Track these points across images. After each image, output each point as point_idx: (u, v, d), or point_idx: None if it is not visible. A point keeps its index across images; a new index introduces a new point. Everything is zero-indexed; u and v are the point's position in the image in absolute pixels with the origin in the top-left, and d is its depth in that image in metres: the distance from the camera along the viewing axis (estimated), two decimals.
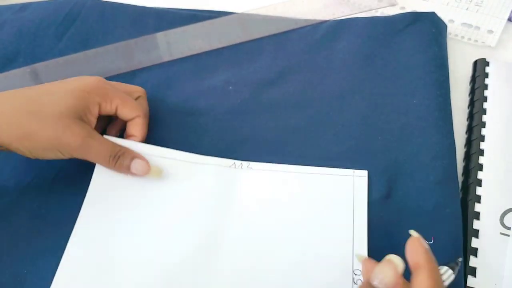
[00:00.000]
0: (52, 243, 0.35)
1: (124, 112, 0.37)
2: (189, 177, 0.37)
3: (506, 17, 0.49)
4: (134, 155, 0.36)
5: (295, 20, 0.49)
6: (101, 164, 0.36)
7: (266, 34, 0.48)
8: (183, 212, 0.35)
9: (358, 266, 0.32)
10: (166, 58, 0.46)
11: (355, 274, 0.32)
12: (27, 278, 0.34)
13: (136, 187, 0.36)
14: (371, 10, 0.51)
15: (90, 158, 0.35)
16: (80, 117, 0.35)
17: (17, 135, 0.33)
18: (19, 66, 0.48)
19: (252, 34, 0.48)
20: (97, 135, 0.35)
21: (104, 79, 0.37)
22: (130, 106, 0.37)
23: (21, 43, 0.50)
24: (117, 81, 0.41)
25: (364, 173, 0.37)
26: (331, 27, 0.48)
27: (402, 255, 0.33)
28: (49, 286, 0.33)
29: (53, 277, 0.33)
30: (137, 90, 0.40)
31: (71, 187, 0.38)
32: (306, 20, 0.49)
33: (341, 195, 0.35)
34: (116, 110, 0.37)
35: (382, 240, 0.34)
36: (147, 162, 0.36)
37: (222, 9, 0.53)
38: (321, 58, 0.46)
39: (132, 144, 0.37)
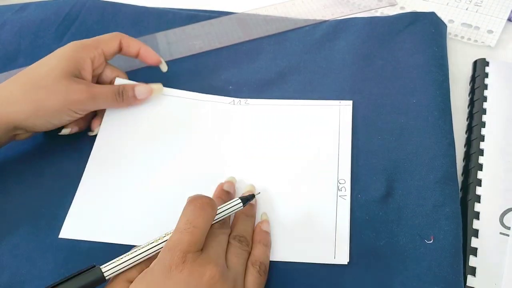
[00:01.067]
0: (52, 242, 0.35)
1: (131, 47, 0.41)
2: (193, 112, 0.42)
3: (506, 17, 0.49)
4: (133, 85, 0.40)
5: (295, 20, 0.50)
6: (111, 105, 0.40)
7: (266, 34, 0.49)
8: (188, 142, 0.40)
9: (343, 176, 0.37)
10: (166, 58, 0.46)
11: (339, 183, 0.37)
12: (26, 278, 0.34)
13: (143, 123, 0.41)
14: (371, 10, 0.51)
15: (99, 104, 0.39)
16: (76, 75, 0.38)
17: (31, 110, 0.36)
18: (20, 66, 0.48)
19: (252, 34, 0.49)
20: (96, 85, 0.39)
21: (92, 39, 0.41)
22: (132, 41, 0.42)
23: (21, 43, 0.50)
24: None
25: (349, 102, 0.41)
26: (331, 27, 0.48)
27: (402, 255, 0.33)
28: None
29: (52, 278, 0.33)
30: (117, 34, 0.42)
31: (72, 186, 0.39)
32: (305, 20, 0.49)
33: (328, 121, 0.40)
34: (121, 50, 0.41)
35: (382, 239, 0.34)
36: (147, 85, 0.41)
37: (222, 9, 0.53)
38: (321, 58, 0.46)
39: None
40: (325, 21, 0.49)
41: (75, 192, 0.38)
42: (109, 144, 0.40)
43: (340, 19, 0.49)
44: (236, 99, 0.43)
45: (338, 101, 0.41)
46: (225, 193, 0.36)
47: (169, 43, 0.49)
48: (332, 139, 0.39)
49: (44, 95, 0.36)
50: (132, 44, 0.41)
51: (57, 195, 0.38)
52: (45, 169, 0.40)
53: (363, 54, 0.45)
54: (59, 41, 0.50)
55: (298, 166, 0.38)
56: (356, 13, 0.51)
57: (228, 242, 0.32)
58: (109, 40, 0.41)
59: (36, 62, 0.38)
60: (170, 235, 0.29)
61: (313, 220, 0.35)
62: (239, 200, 0.33)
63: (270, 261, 0.34)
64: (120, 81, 0.41)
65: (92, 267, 0.29)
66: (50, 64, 0.37)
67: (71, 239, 0.35)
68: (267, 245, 0.34)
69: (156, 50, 0.43)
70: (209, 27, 0.50)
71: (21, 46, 0.50)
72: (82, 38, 0.50)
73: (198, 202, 0.30)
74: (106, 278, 0.29)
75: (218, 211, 0.31)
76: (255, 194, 0.35)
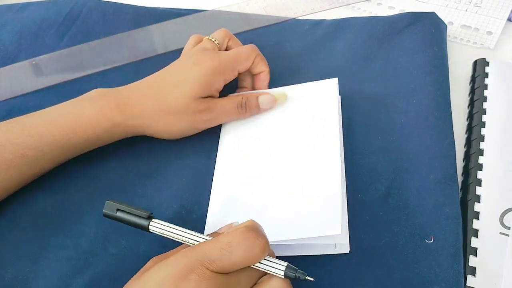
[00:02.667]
0: (55, 242, 0.36)
1: (258, 66, 0.41)
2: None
3: (506, 17, 0.49)
4: (257, 95, 0.40)
5: (276, 17, 0.51)
6: (234, 117, 0.41)
7: (246, 29, 0.50)
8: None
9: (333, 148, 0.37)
10: (171, 47, 0.47)
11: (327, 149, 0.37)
12: (29, 277, 0.34)
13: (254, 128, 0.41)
14: (349, 4, 0.52)
15: (223, 120, 0.41)
16: (207, 95, 0.38)
17: (161, 128, 0.39)
18: None
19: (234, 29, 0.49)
20: (219, 100, 0.39)
21: (220, 55, 0.39)
22: (261, 61, 0.42)
23: (22, 42, 0.50)
24: (123, 73, 0.42)
25: (335, 79, 0.41)
26: (331, 27, 0.48)
27: (402, 255, 0.33)
28: (50, 285, 0.33)
29: (55, 276, 0.33)
30: (253, 50, 0.41)
31: (73, 186, 0.39)
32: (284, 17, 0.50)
33: (317, 97, 0.41)
34: (250, 68, 0.41)
35: (382, 239, 0.34)
36: (270, 94, 0.40)
37: (222, 8, 0.53)
38: (321, 58, 0.46)
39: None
40: (324, 21, 0.49)
41: (206, 188, 0.38)
42: (229, 146, 0.40)
43: (340, 19, 0.49)
44: None
45: (323, 80, 0.42)
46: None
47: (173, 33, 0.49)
48: (320, 116, 0.39)
49: (174, 119, 0.38)
50: (260, 65, 0.42)
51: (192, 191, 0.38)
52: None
53: (363, 54, 0.45)
54: (60, 41, 0.50)
55: (294, 149, 0.38)
56: (335, 7, 0.52)
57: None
58: (246, 60, 0.40)
59: (172, 75, 0.39)
60: (222, 234, 0.27)
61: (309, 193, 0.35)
62: (283, 268, 0.27)
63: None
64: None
65: (149, 216, 0.30)
66: (183, 88, 0.38)
67: None
68: None
69: (150, 42, 0.44)
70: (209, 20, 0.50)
71: (21, 45, 0.50)
72: (83, 38, 0.50)
73: (257, 239, 0.26)
74: (150, 230, 0.30)
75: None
76: (307, 277, 0.27)
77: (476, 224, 0.35)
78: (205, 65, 0.38)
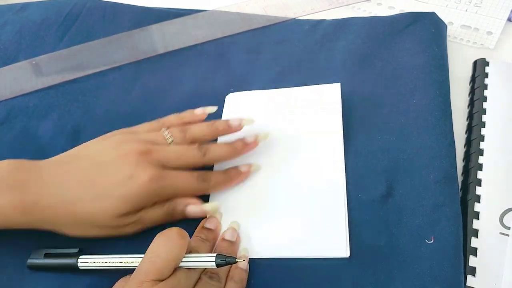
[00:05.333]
0: (53, 242, 0.35)
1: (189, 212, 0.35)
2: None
3: (506, 17, 0.49)
4: (185, 202, 0.35)
5: (276, 17, 0.51)
6: (161, 223, 0.35)
7: (246, 29, 0.50)
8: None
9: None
10: (171, 47, 0.47)
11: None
12: (27, 277, 0.34)
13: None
14: (349, 4, 0.52)
15: (151, 226, 0.35)
16: (133, 213, 0.33)
17: (76, 235, 0.34)
18: None
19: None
20: (146, 213, 0.34)
21: (156, 173, 0.33)
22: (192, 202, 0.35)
23: (22, 43, 0.50)
24: (123, 73, 0.41)
25: (337, 84, 0.41)
26: (331, 27, 0.48)
27: (402, 255, 0.33)
28: (50, 285, 0.33)
29: (55, 276, 0.33)
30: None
31: None
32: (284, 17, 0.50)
33: (321, 100, 0.41)
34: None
35: (382, 240, 0.34)
36: (199, 205, 0.35)
37: (222, 9, 0.53)
38: (321, 58, 0.46)
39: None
40: (324, 21, 0.49)
41: None
42: None
43: (340, 19, 0.49)
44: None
45: (327, 84, 0.42)
46: (206, 231, 0.34)
47: (172, 33, 0.49)
48: (323, 120, 0.40)
49: (95, 232, 0.33)
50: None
51: None
52: None
53: (363, 54, 0.45)
54: (60, 41, 0.50)
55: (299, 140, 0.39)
56: (335, 7, 0.52)
57: (199, 278, 0.30)
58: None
59: (95, 185, 0.32)
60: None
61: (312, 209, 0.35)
62: (213, 259, 0.29)
63: (271, 258, 0.33)
64: (231, 96, 0.42)
65: (77, 253, 0.31)
66: (109, 202, 0.32)
67: None
68: (241, 282, 0.31)
69: (150, 42, 0.43)
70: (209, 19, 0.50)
71: (21, 46, 0.50)
72: (83, 38, 0.50)
73: (164, 234, 0.29)
74: (79, 267, 0.31)
75: (187, 260, 0.29)
76: (236, 259, 0.29)
77: (476, 224, 0.35)
78: (135, 182, 0.32)
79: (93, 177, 0.33)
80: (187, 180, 0.35)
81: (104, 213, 0.32)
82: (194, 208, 0.35)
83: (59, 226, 0.33)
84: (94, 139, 0.36)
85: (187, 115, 0.38)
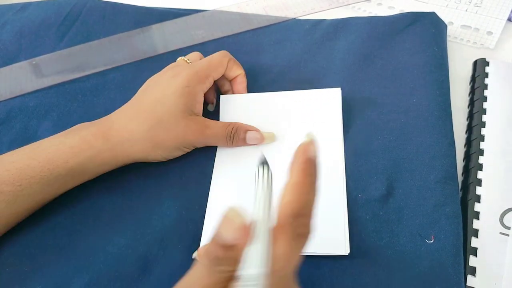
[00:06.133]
0: (53, 240, 0.36)
1: (232, 70, 0.42)
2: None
3: (506, 17, 0.49)
4: (246, 128, 0.39)
5: (276, 17, 0.51)
6: (221, 145, 0.40)
7: (246, 29, 0.50)
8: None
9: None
10: (171, 47, 0.47)
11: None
12: (28, 277, 0.34)
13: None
14: (349, 4, 0.52)
15: (210, 144, 0.40)
16: (191, 111, 0.38)
17: (150, 147, 0.37)
18: None
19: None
20: (210, 123, 0.39)
21: (194, 65, 0.40)
22: (235, 65, 0.42)
23: (22, 43, 0.50)
24: (123, 73, 0.42)
25: (338, 89, 0.41)
26: (331, 27, 0.48)
27: (402, 254, 0.33)
28: (49, 283, 0.33)
29: (55, 276, 0.33)
30: (225, 55, 0.42)
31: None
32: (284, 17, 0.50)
33: (322, 105, 0.41)
34: (225, 73, 0.41)
35: (382, 240, 0.34)
36: (259, 132, 0.39)
37: (222, 8, 0.53)
38: (321, 58, 0.46)
39: (243, 96, 0.43)
40: (324, 21, 0.49)
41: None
42: (225, 168, 0.40)
43: (340, 19, 0.49)
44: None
45: (328, 89, 0.42)
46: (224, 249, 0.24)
47: (171, 33, 0.49)
48: (323, 126, 0.40)
49: (165, 135, 0.37)
50: (234, 68, 0.42)
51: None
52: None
53: (363, 54, 0.45)
54: (60, 41, 0.50)
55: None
56: (335, 7, 0.52)
57: None
58: (219, 65, 0.41)
59: (151, 94, 0.38)
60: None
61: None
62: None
63: None
64: (225, 98, 0.43)
65: None
66: (168, 103, 0.37)
67: None
68: None
69: (150, 42, 0.43)
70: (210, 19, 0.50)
71: (21, 46, 0.50)
72: (83, 38, 0.50)
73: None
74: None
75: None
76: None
77: (476, 224, 0.35)
78: (183, 79, 0.38)
79: (151, 93, 0.39)
80: (217, 59, 0.41)
81: (169, 111, 0.37)
82: (254, 134, 0.39)
83: (136, 144, 0.37)
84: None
85: None
